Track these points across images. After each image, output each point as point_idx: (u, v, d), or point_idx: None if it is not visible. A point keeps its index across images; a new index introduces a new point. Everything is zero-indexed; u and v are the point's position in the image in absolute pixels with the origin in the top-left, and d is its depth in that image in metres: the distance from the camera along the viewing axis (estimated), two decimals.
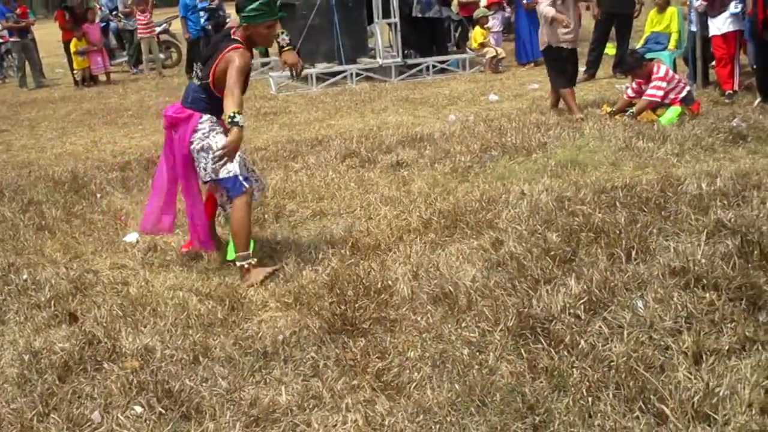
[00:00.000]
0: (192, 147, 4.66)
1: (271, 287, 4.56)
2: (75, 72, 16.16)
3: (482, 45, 14.04)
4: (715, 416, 2.89)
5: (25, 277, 5.01)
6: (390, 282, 4.39)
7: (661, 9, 11.13)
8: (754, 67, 8.90)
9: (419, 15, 13.70)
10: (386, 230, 5.32)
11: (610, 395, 3.08)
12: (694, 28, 9.60)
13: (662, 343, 3.45)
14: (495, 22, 14.85)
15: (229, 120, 4.28)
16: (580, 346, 3.46)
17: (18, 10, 16.55)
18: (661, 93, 8.04)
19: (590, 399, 3.07)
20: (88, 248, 5.57)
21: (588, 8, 11.44)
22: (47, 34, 22.18)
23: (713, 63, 9.55)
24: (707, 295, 3.79)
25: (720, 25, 8.90)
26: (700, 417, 2.90)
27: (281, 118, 10.40)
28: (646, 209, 5.11)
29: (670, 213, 5.01)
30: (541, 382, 3.26)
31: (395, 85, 12.84)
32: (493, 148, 7.30)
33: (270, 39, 4.75)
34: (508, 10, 16.43)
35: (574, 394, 3.12)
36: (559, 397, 3.14)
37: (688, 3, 9.84)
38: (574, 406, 3.05)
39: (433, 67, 13.68)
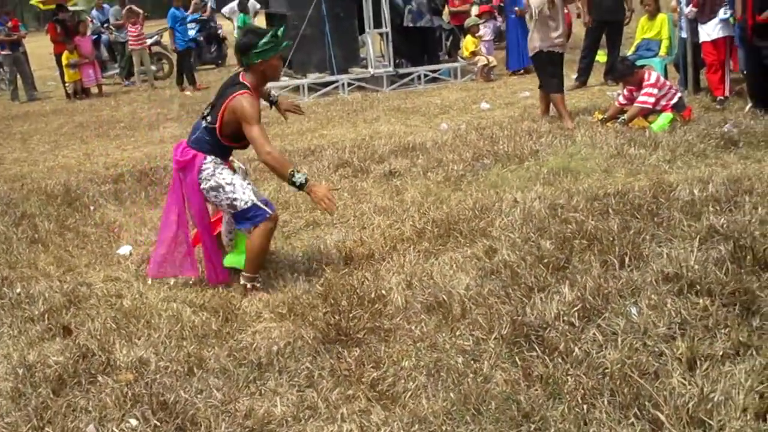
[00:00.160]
0: (202, 187, 4.61)
1: (265, 298, 4.55)
2: (67, 85, 16.16)
3: (473, 54, 14.08)
4: (710, 422, 2.89)
5: (18, 290, 4.99)
6: (384, 291, 4.39)
7: (652, 16, 11.17)
8: (744, 72, 8.94)
9: (410, 24, 13.76)
10: (380, 240, 5.32)
11: (605, 402, 3.08)
12: (684, 35, 9.64)
13: (656, 349, 3.46)
14: (486, 31, 14.90)
15: (292, 184, 4.35)
16: (574, 354, 3.46)
17: (9, 23, 16.56)
18: (652, 100, 8.06)
19: (585, 406, 3.07)
20: (82, 261, 5.56)
21: (579, 16, 11.48)
22: (39, 47, 22.16)
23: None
24: (701, 300, 3.79)
25: (710, 31, 8.93)
26: (695, 423, 2.90)
27: (273, 129, 10.40)
28: (638, 216, 5.12)
29: (662, 219, 5.02)
30: (536, 389, 3.26)
31: (387, 95, 12.87)
32: (486, 157, 7.32)
33: (280, 69, 4.80)
34: (500, 19, 16.50)
35: (569, 402, 3.12)
36: (554, 405, 3.14)
37: (678, 10, 9.88)
38: (570, 413, 3.05)
39: (425, 76, 13.72)
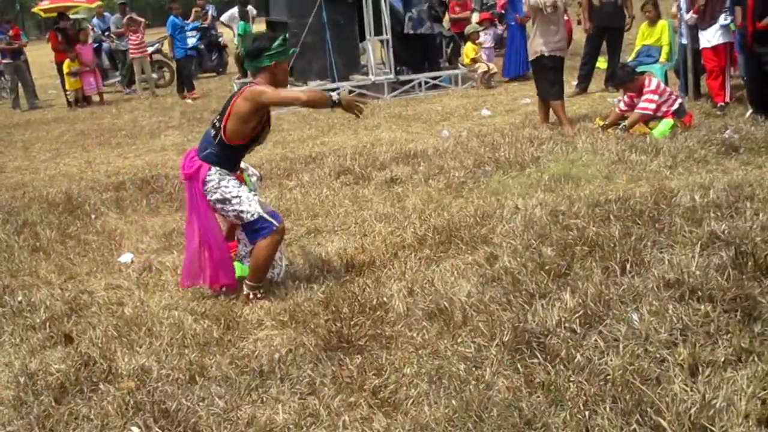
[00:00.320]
0: (209, 199, 4.60)
1: (267, 305, 4.55)
2: (68, 93, 16.20)
3: (474, 60, 14.11)
4: (712, 428, 2.89)
5: (20, 298, 5.00)
6: (385, 299, 4.39)
7: (652, 22, 11.20)
8: (744, 78, 8.95)
9: (411, 32, 13.80)
10: (381, 247, 5.32)
11: (607, 409, 3.08)
12: (684, 41, 9.65)
13: (658, 355, 3.45)
14: (487, 38, 14.93)
15: (333, 102, 4.54)
16: (576, 360, 3.46)
17: (10, 32, 16.61)
18: (653, 106, 8.07)
19: (587, 413, 3.07)
20: (83, 269, 5.57)
21: (579, 22, 11.50)
22: (40, 55, 22.23)
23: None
24: (702, 306, 3.79)
25: (710, 37, 8.95)
26: (697, 429, 2.90)
27: (274, 136, 10.39)
28: (639, 222, 5.12)
29: (664, 225, 5.02)
30: (538, 396, 3.25)
31: (388, 102, 12.89)
32: (487, 164, 7.32)
33: (287, 73, 4.87)
34: (500, 26, 16.53)
35: (571, 408, 3.11)
36: (556, 412, 3.13)
37: (678, 16, 9.90)
38: (571, 420, 3.05)
39: (426, 83, 13.74)
